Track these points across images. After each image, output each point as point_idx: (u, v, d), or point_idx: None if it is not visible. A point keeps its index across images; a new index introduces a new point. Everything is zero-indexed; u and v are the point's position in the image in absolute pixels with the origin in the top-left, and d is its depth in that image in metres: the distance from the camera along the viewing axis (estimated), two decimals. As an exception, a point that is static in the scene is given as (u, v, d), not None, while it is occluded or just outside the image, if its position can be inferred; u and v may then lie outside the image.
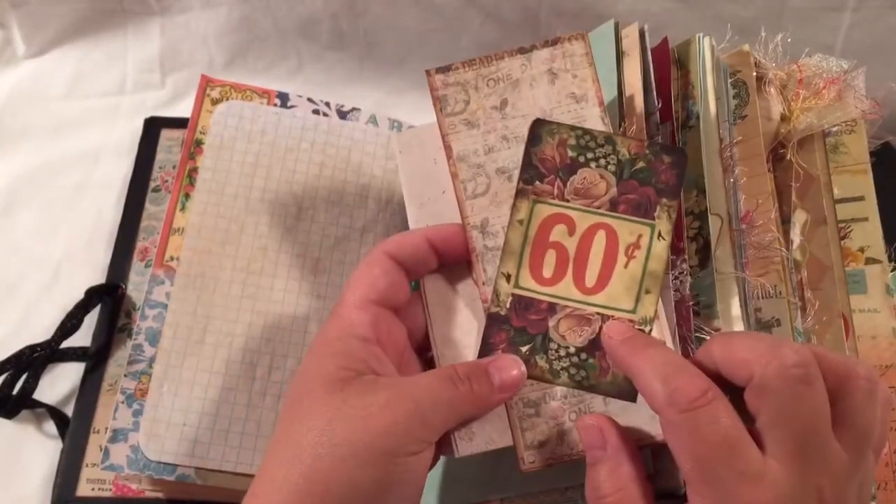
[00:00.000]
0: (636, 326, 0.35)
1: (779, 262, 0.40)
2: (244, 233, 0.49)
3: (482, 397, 0.34)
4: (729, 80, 0.43)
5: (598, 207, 0.35)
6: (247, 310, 0.48)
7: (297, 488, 0.30)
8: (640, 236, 0.35)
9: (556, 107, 0.37)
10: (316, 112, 0.54)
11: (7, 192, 0.63)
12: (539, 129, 0.36)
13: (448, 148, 0.37)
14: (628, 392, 0.35)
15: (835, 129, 0.44)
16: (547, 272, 0.36)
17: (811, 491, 0.28)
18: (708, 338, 0.36)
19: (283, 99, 0.54)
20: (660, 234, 0.35)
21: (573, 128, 0.36)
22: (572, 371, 0.35)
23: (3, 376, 0.51)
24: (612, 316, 0.35)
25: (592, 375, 0.35)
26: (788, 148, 0.43)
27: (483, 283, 0.36)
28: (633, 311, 0.35)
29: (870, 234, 0.45)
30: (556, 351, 0.35)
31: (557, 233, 0.36)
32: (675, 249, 0.38)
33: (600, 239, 0.35)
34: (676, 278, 0.37)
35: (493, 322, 0.36)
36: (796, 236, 0.42)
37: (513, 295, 0.35)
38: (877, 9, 0.61)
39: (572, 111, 0.36)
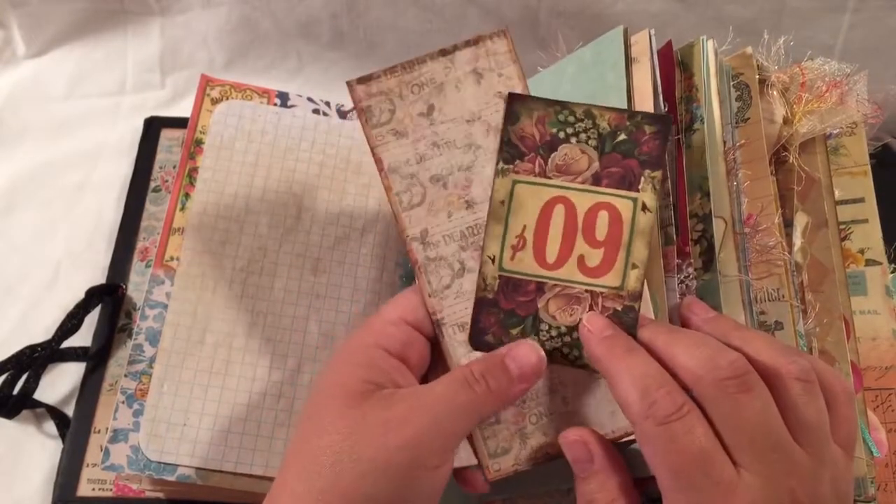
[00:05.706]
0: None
1: (781, 265, 0.39)
2: (244, 233, 0.49)
3: (501, 392, 0.33)
4: (731, 83, 0.43)
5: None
6: (247, 310, 0.48)
7: (318, 503, 0.31)
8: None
9: (484, 108, 0.35)
10: (316, 112, 0.54)
11: (7, 192, 0.63)
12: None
13: (378, 160, 0.36)
14: None
15: (836, 131, 0.44)
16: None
17: (783, 494, 0.28)
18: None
19: (283, 98, 0.54)
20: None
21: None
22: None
23: (4, 376, 0.51)
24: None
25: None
26: (791, 151, 0.42)
27: (429, 296, 0.36)
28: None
29: (870, 235, 0.46)
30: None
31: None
32: (681, 253, 0.38)
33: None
34: (682, 282, 0.37)
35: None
36: (797, 239, 0.42)
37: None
38: (877, 9, 0.61)
39: (502, 111, 0.35)
